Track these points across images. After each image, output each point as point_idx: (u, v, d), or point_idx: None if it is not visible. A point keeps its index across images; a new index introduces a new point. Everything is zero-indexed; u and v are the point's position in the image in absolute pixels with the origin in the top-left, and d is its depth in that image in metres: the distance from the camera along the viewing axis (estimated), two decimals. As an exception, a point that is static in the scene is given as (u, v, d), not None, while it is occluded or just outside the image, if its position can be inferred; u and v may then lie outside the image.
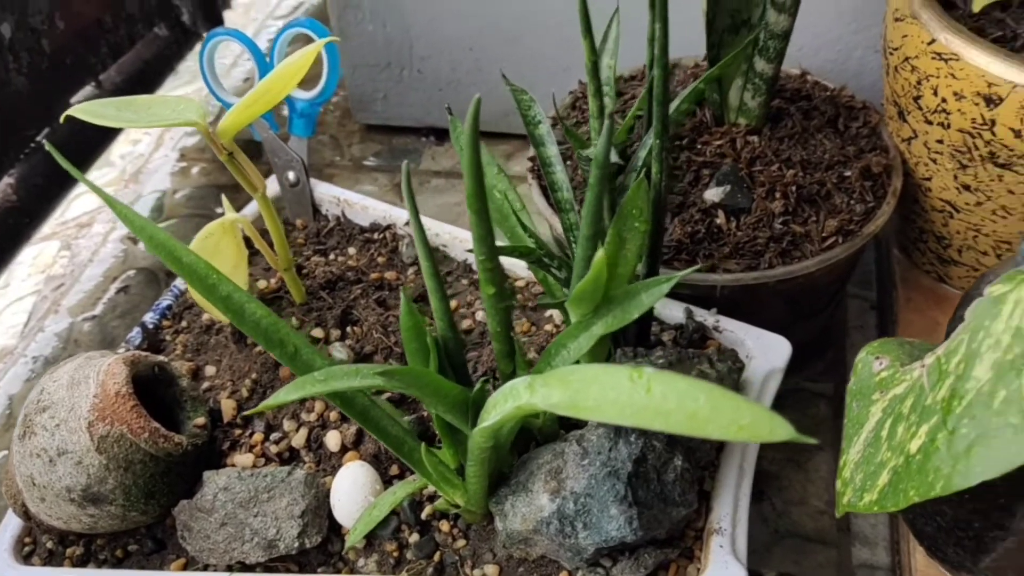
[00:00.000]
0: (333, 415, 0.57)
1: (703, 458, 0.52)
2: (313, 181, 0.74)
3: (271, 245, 0.61)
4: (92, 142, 0.96)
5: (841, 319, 0.78)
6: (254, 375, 0.60)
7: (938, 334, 0.52)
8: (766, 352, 0.58)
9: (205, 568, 0.52)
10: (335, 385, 0.41)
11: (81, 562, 0.54)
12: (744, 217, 0.62)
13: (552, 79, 0.89)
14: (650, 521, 0.46)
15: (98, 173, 1.05)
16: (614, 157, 0.50)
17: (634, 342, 0.57)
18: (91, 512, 0.52)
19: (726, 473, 0.53)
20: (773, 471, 0.68)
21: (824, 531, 0.64)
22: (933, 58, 0.59)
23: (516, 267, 0.67)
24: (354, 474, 0.53)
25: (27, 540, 0.55)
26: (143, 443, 0.51)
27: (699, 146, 0.66)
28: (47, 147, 0.41)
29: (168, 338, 0.65)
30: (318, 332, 0.62)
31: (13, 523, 0.55)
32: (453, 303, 0.65)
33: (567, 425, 0.51)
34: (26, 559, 0.55)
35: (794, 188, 0.62)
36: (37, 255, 0.96)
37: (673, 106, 0.58)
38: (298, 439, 0.56)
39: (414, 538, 0.52)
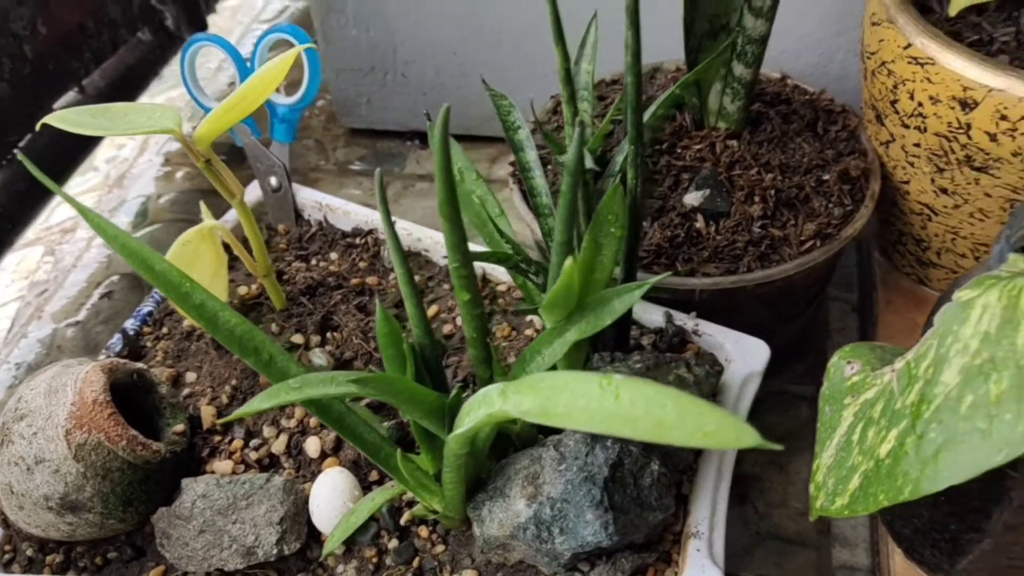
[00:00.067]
0: (313, 421, 0.57)
1: (681, 462, 0.52)
2: (295, 186, 0.74)
3: (251, 251, 0.61)
4: (76, 147, 0.96)
5: (822, 321, 0.79)
6: (234, 381, 0.60)
7: (917, 336, 0.52)
8: (745, 355, 0.58)
9: (184, 575, 0.52)
10: (310, 392, 0.42)
11: (61, 570, 0.54)
12: (723, 221, 0.62)
13: (535, 83, 0.89)
14: (627, 526, 0.46)
15: (82, 179, 1.05)
16: (590, 163, 0.51)
17: (612, 346, 0.57)
18: (69, 520, 0.52)
19: (704, 477, 0.53)
20: (755, 473, 0.68)
21: (805, 533, 0.64)
22: (909, 62, 0.59)
23: (498, 271, 0.67)
24: (333, 480, 0.53)
25: (7, 548, 0.55)
26: (121, 451, 0.51)
27: (679, 150, 0.66)
28: (20, 159, 0.40)
29: (149, 344, 0.65)
30: (298, 338, 0.62)
31: (-8, 531, 0.55)
32: (434, 308, 0.65)
33: (545, 430, 0.51)
34: (6, 567, 0.55)
35: (773, 192, 0.63)
36: (20, 261, 0.96)
37: (650, 112, 0.58)
38: (278, 445, 0.57)
39: (393, 544, 0.52)
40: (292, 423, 0.57)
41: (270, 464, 0.56)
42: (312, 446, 0.56)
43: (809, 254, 0.60)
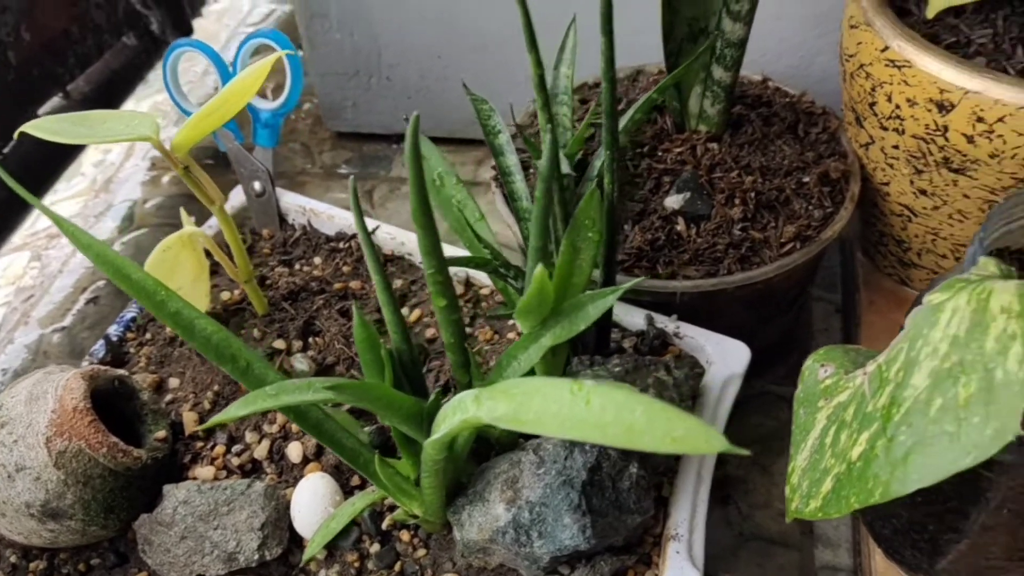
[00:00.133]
0: (295, 426, 0.57)
1: (661, 464, 0.53)
2: (279, 190, 0.75)
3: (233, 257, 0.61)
4: (62, 152, 0.96)
5: (806, 322, 0.79)
6: (216, 387, 0.60)
7: (896, 337, 0.53)
8: (725, 357, 0.58)
9: (166, 582, 0.52)
10: (286, 399, 0.42)
11: (43, 576, 0.54)
12: (704, 224, 0.62)
13: (520, 86, 0.89)
14: (605, 529, 0.47)
15: (68, 184, 1.05)
16: (566, 168, 0.51)
17: (593, 350, 0.57)
18: (51, 527, 0.52)
19: (684, 479, 0.53)
20: (739, 475, 0.69)
21: (788, 534, 0.65)
22: (887, 65, 0.59)
23: (481, 275, 0.67)
24: (314, 486, 0.53)
25: (-11, 555, 0.55)
26: (101, 458, 0.51)
27: (660, 153, 0.67)
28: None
29: (132, 350, 0.65)
30: (280, 343, 0.62)
31: (-25, 539, 0.55)
32: (417, 312, 0.65)
33: (525, 434, 0.51)
34: (-12, 575, 0.55)
35: (753, 194, 0.63)
36: (7, 267, 0.96)
37: (627, 116, 0.58)
38: (260, 450, 0.57)
39: (375, 548, 0.52)
40: (274, 428, 0.57)
41: (252, 470, 0.57)
42: (294, 451, 0.56)
43: (789, 256, 0.60)
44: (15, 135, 0.50)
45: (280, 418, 0.58)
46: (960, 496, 0.48)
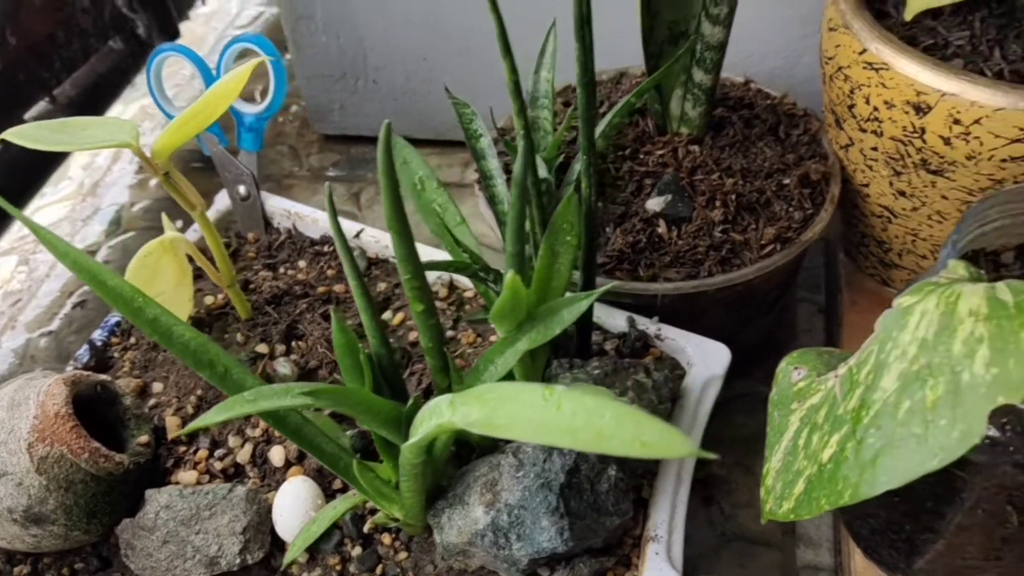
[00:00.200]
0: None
1: (640, 466, 0.53)
2: (264, 194, 0.75)
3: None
4: (47, 157, 0.96)
5: (790, 323, 0.79)
6: (199, 392, 0.60)
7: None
8: (706, 359, 0.59)
9: (148, 586, 0.52)
10: (264, 405, 0.42)
11: (27, 581, 0.55)
12: (685, 226, 0.63)
13: (505, 89, 0.89)
14: (583, 531, 0.47)
15: (55, 188, 1.05)
16: (544, 173, 0.51)
17: (574, 352, 0.58)
18: (34, 532, 0.52)
19: (664, 480, 0.53)
20: (722, 475, 0.69)
21: (770, 534, 0.65)
22: (864, 68, 0.60)
23: (465, 279, 0.68)
24: (296, 489, 0.53)
25: (-27, 561, 0.56)
26: (83, 463, 0.51)
27: (642, 156, 0.67)
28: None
29: (116, 355, 0.65)
30: (263, 347, 0.62)
31: (-42, 544, 0.55)
32: (400, 315, 0.66)
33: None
34: (-28, 580, 0.55)
35: (734, 197, 0.63)
36: (-6, 271, 0.96)
37: (606, 120, 0.59)
38: (243, 455, 0.57)
39: (357, 551, 0.52)
40: (257, 432, 0.58)
41: (235, 474, 0.57)
42: (277, 455, 0.56)
43: (769, 258, 0.61)
44: (-2, 141, 0.50)
45: (263, 422, 0.58)
46: (935, 496, 0.48)
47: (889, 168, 0.62)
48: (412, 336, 0.64)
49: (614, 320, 0.62)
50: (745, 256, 0.61)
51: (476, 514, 0.47)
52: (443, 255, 0.65)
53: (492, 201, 0.58)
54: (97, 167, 1.08)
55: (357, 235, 0.72)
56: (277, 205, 0.75)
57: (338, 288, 0.68)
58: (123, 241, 0.97)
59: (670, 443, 0.31)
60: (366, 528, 0.53)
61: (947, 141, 0.57)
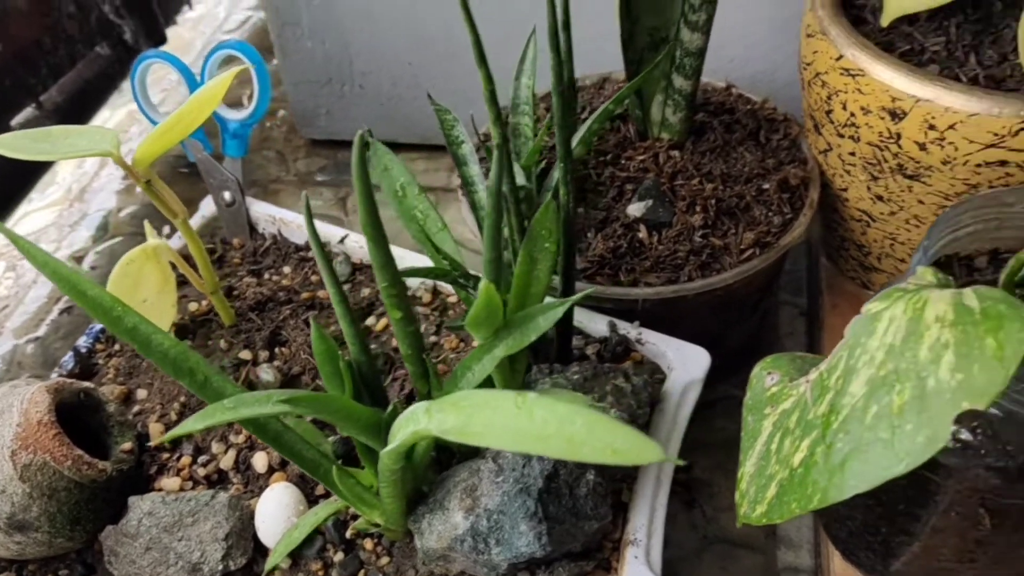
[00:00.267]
0: (262, 436, 0.58)
1: (619, 471, 0.53)
2: (249, 200, 0.75)
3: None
4: (32, 164, 0.96)
5: (772, 326, 0.80)
6: (183, 398, 0.61)
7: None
8: (686, 363, 0.59)
9: (132, 592, 0.53)
10: (244, 412, 0.42)
11: (11, 588, 0.55)
12: (665, 231, 0.63)
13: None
14: (562, 535, 0.47)
15: (42, 194, 1.05)
16: (522, 180, 0.52)
17: (554, 357, 0.58)
18: (17, 539, 0.52)
19: (643, 484, 0.54)
20: (704, 478, 0.70)
21: (751, 536, 0.66)
22: (841, 73, 0.60)
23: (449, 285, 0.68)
24: (278, 496, 0.53)
25: (-43, 568, 0.56)
26: (66, 471, 0.52)
27: (623, 161, 0.67)
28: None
29: (101, 362, 0.66)
30: (246, 354, 0.63)
31: (-58, 552, 0.55)
32: (384, 321, 0.66)
33: (485, 442, 0.52)
34: (-44, 587, 0.55)
35: (714, 201, 0.64)
36: (-19, 278, 0.96)
37: (585, 127, 0.59)
38: (226, 461, 0.57)
39: (339, 557, 0.53)
40: (240, 439, 0.58)
41: (219, 480, 0.57)
42: (260, 461, 0.57)
43: (748, 263, 0.61)
44: (-24, 152, 0.50)
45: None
46: (909, 500, 0.49)
47: (867, 173, 0.63)
48: (395, 342, 0.65)
49: (595, 325, 0.62)
50: (725, 261, 0.62)
51: (456, 519, 0.48)
52: (427, 261, 0.65)
53: (474, 207, 0.59)
54: (84, 173, 1.08)
55: (342, 240, 0.72)
56: (262, 211, 0.75)
57: (322, 294, 0.68)
58: (110, 247, 0.97)
59: (641, 449, 0.31)
60: (348, 533, 0.53)
61: (922, 146, 0.58)
